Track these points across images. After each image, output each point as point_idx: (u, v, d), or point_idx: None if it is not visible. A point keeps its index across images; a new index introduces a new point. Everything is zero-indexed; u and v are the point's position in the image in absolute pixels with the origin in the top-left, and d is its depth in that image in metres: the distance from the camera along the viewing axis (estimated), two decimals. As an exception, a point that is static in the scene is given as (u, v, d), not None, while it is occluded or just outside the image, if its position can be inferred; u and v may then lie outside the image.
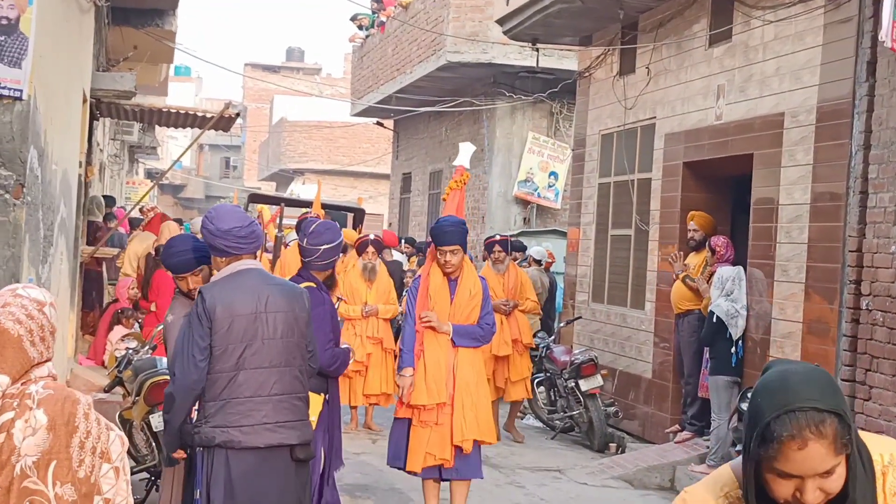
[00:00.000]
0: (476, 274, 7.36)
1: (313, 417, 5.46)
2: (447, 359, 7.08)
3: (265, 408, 4.79)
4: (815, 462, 2.10)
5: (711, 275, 9.79)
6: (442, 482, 7.29)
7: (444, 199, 7.78)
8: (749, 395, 7.91)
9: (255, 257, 5.14)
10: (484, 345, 7.38)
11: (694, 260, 10.29)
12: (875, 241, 7.98)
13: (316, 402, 5.58)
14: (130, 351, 8.16)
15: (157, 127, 23.51)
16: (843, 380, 8.16)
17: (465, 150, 7.91)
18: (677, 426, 10.63)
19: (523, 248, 13.58)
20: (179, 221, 18.48)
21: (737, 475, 2.29)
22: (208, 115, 14.06)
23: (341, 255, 11.20)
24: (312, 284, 6.07)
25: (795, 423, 2.09)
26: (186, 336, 4.79)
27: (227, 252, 4.93)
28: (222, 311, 4.75)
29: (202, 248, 5.62)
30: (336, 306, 6.82)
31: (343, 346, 6.34)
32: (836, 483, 2.13)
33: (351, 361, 6.51)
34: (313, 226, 6.33)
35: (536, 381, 11.82)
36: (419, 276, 7.36)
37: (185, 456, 5.01)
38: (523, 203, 17.91)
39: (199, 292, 4.87)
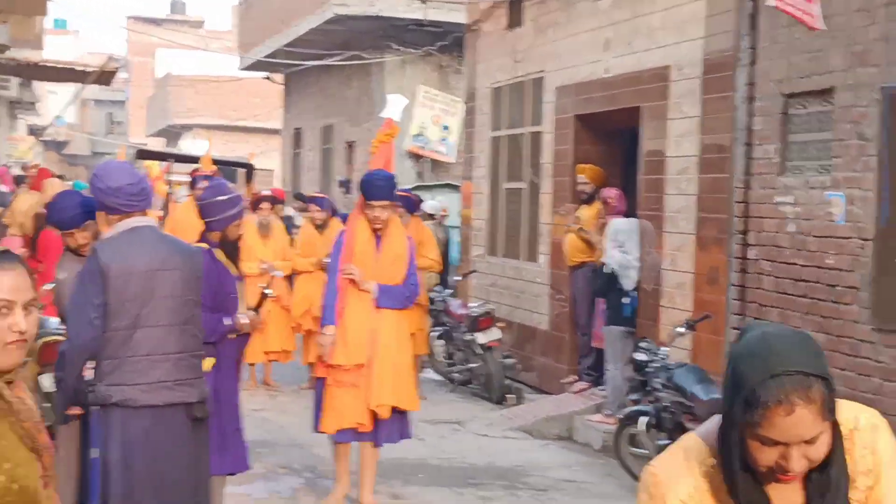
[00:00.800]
0: (404, 232, 7.09)
1: None
2: (368, 320, 6.80)
3: (163, 366, 4.76)
4: (801, 428, 2.02)
5: (603, 227, 9.92)
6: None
7: (372, 153, 7.52)
8: (642, 345, 8.09)
9: (146, 215, 5.05)
10: (407, 306, 7.07)
11: (586, 213, 10.41)
12: (760, 191, 8.17)
13: (204, 365, 5.43)
14: (18, 312, 7.95)
15: (35, 82, 22.81)
16: (732, 328, 8.38)
17: (395, 103, 7.55)
18: (574, 377, 10.81)
19: (420, 202, 13.57)
20: (61, 178, 17.99)
21: (707, 443, 2.21)
22: (88, 70, 13.71)
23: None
24: (204, 246, 5.91)
25: (782, 388, 2.01)
26: (80, 294, 4.71)
27: (117, 210, 4.83)
28: (118, 268, 4.68)
29: (89, 203, 5.49)
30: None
31: (227, 320, 5.95)
32: (821, 450, 2.07)
33: (243, 332, 6.23)
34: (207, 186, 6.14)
35: (435, 334, 11.88)
36: (343, 230, 7.06)
37: (81, 412, 4.94)
38: (416, 157, 17.88)
39: (93, 249, 4.78)
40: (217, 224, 6.07)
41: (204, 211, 6.12)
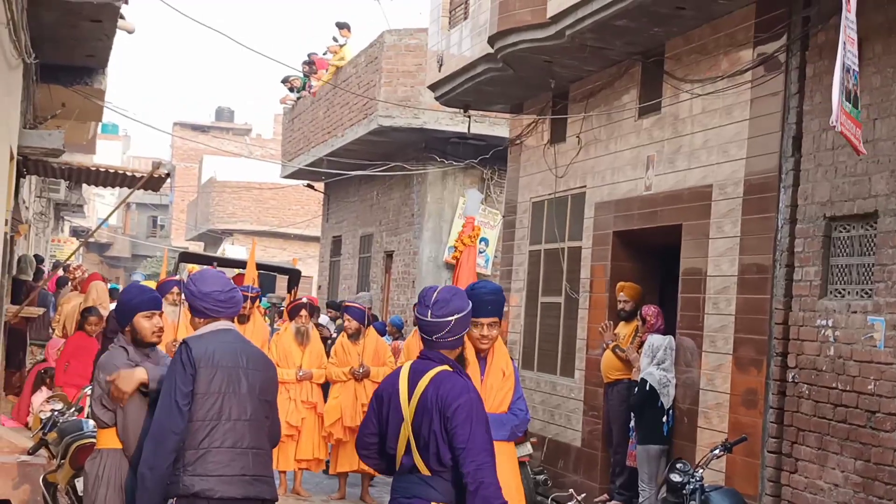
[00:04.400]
0: (507, 351, 6.13)
1: None
2: None
3: (244, 459, 4.96)
4: None
5: (641, 344, 9.86)
6: None
7: (455, 259, 6.83)
8: (678, 465, 7.94)
9: (234, 321, 5.38)
10: (517, 437, 6.04)
11: (624, 330, 10.36)
12: (801, 314, 8.11)
13: None
14: (56, 413, 8.11)
15: (84, 185, 23.21)
16: (769, 451, 8.24)
17: (474, 199, 6.73)
18: (606, 496, 10.63)
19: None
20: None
21: None
22: (137, 175, 13.94)
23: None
24: (448, 368, 4.77)
25: None
26: (169, 382, 4.95)
27: (205, 313, 5.19)
28: (206, 361, 4.97)
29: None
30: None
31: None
32: None
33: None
34: (435, 294, 4.93)
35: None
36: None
37: None
38: (454, 268, 17.93)
39: (185, 342, 5.08)
40: (453, 343, 4.88)
41: (435, 330, 4.88)
